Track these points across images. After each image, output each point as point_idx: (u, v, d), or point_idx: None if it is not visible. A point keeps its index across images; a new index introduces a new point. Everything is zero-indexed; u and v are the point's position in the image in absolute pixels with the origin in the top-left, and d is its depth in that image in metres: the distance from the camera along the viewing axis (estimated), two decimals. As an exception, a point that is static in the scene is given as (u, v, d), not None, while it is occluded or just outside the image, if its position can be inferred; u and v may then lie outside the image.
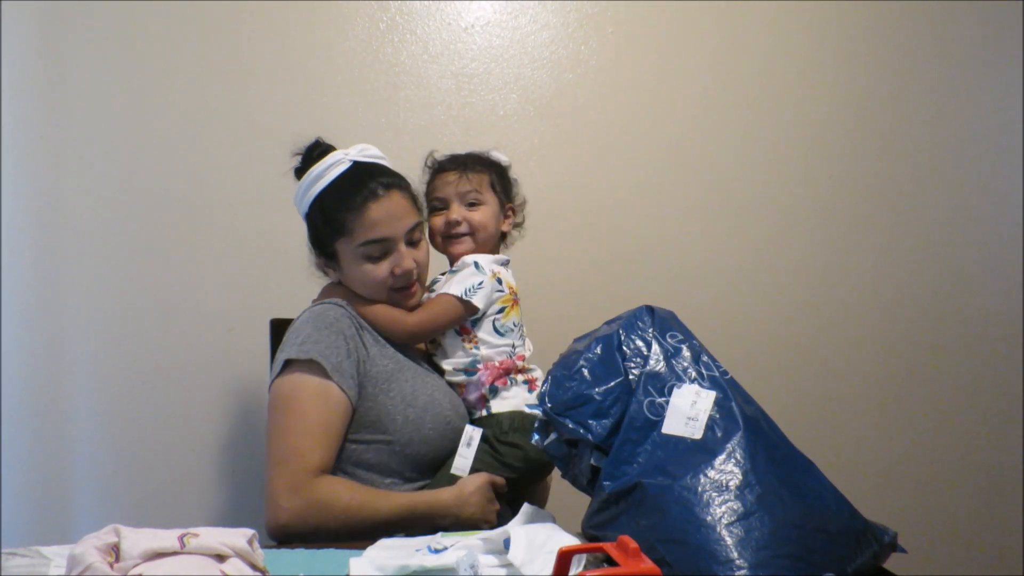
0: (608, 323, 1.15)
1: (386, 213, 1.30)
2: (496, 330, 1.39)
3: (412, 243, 1.35)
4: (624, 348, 1.06)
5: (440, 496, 1.26)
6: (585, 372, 1.06)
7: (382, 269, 1.32)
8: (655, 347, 1.06)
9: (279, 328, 1.56)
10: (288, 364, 1.26)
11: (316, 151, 1.36)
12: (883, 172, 2.08)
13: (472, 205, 1.42)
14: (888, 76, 2.07)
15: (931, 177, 2.10)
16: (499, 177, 1.47)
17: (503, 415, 1.35)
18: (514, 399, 1.37)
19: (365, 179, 1.32)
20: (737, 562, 0.86)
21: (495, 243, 1.47)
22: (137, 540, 0.82)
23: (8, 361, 1.80)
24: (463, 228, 1.41)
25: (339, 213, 1.31)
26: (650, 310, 1.13)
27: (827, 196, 2.06)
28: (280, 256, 1.84)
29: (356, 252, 1.31)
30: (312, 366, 1.24)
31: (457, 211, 1.41)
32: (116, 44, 1.81)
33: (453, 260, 1.44)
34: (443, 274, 1.44)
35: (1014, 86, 2.11)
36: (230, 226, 1.84)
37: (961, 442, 2.13)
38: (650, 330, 1.08)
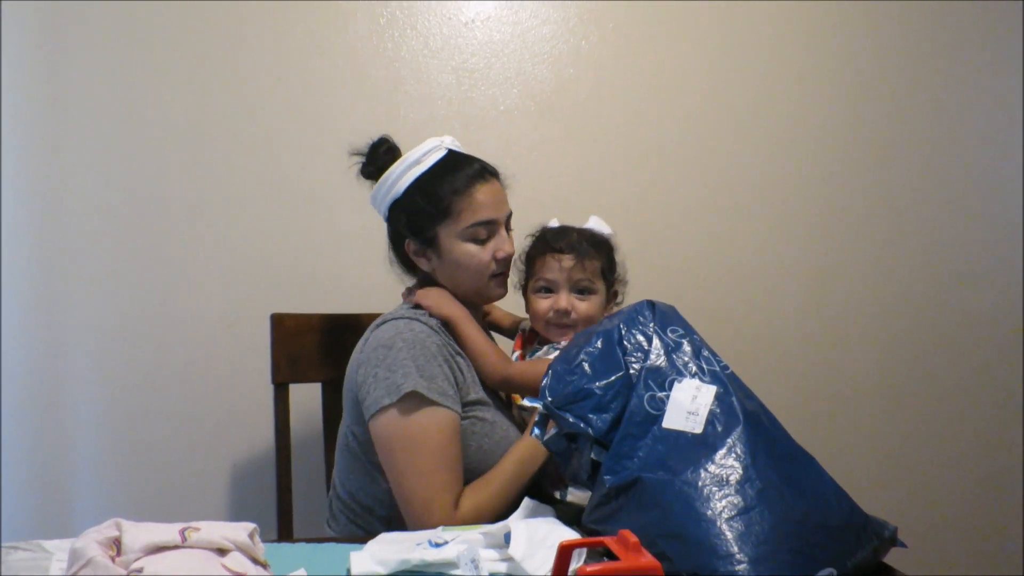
0: (609, 318, 1.15)
1: (492, 196, 1.33)
2: None
3: (507, 231, 1.37)
4: (625, 343, 1.07)
5: (522, 443, 1.28)
6: (586, 366, 1.06)
7: (486, 252, 1.33)
8: (656, 341, 1.06)
9: (279, 323, 1.56)
10: (411, 395, 1.21)
11: (383, 148, 1.37)
12: (883, 171, 2.08)
13: (582, 293, 1.35)
14: (887, 76, 2.06)
15: (931, 177, 2.10)
16: (609, 261, 1.39)
17: None
18: None
19: (467, 163, 1.33)
20: (737, 556, 0.86)
21: None
22: (138, 534, 0.82)
23: (8, 360, 1.81)
24: (571, 319, 1.35)
25: (445, 195, 1.31)
26: (651, 304, 1.13)
27: (828, 194, 2.06)
28: (281, 251, 1.84)
29: (462, 234, 1.31)
30: (429, 399, 1.22)
31: (567, 300, 1.34)
32: (116, 44, 1.81)
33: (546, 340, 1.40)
34: (547, 347, 1.39)
35: (1014, 86, 2.11)
36: (230, 224, 1.84)
37: (961, 441, 2.13)
38: (651, 324, 1.08)
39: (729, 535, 0.88)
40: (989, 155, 2.12)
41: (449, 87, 1.90)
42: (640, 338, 1.07)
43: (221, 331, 1.85)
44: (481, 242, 1.33)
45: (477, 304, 1.42)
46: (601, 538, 0.85)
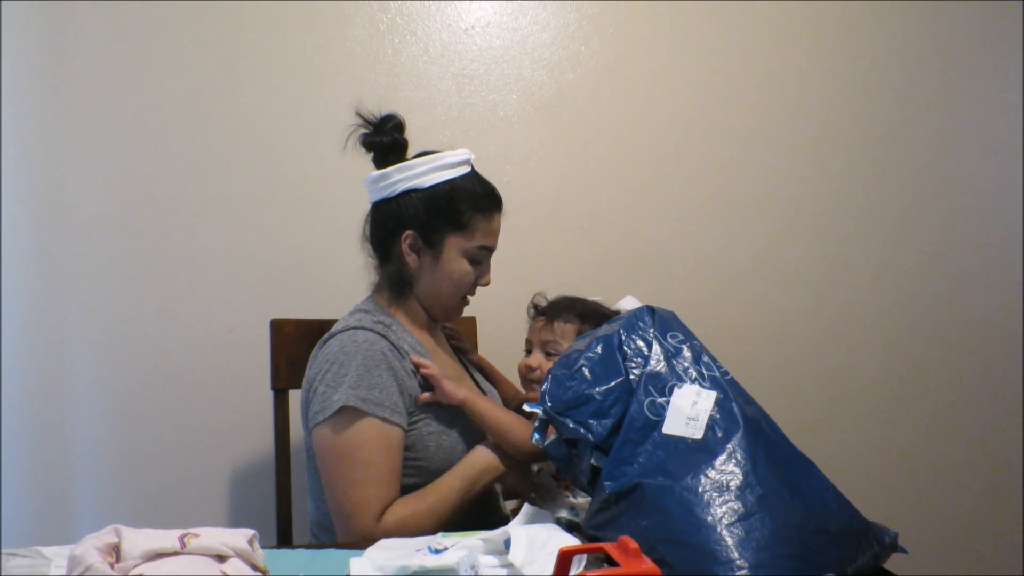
0: (609, 323, 1.15)
1: (497, 227, 1.39)
2: None
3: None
4: (625, 348, 1.06)
5: (475, 455, 1.28)
6: (586, 372, 1.06)
7: (473, 274, 1.37)
8: (656, 347, 1.06)
9: (279, 329, 1.56)
10: (342, 409, 1.22)
11: (391, 123, 1.37)
12: (883, 172, 2.08)
13: (550, 355, 1.39)
14: (886, 76, 2.07)
15: (931, 177, 2.10)
16: (595, 327, 1.40)
17: None
18: None
19: (491, 189, 1.38)
20: (738, 562, 0.86)
21: None
22: (137, 540, 0.82)
23: (8, 361, 1.80)
24: (536, 375, 1.39)
25: (470, 211, 1.33)
26: (651, 310, 1.13)
27: (827, 197, 2.06)
28: (281, 256, 1.84)
29: (466, 251, 1.35)
30: (363, 411, 1.22)
31: (536, 359, 1.40)
32: (116, 44, 1.81)
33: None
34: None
35: (1014, 86, 2.11)
36: (230, 226, 1.84)
37: (961, 442, 2.13)
38: (651, 330, 1.08)
39: (729, 541, 0.88)
40: (989, 155, 2.12)
41: (449, 93, 1.91)
42: (640, 344, 1.07)
43: (221, 336, 1.85)
44: (476, 264, 1.37)
45: (437, 319, 1.44)
46: (601, 544, 0.84)
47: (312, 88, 1.86)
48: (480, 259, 1.37)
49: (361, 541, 1.14)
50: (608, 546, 0.83)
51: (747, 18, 2.00)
